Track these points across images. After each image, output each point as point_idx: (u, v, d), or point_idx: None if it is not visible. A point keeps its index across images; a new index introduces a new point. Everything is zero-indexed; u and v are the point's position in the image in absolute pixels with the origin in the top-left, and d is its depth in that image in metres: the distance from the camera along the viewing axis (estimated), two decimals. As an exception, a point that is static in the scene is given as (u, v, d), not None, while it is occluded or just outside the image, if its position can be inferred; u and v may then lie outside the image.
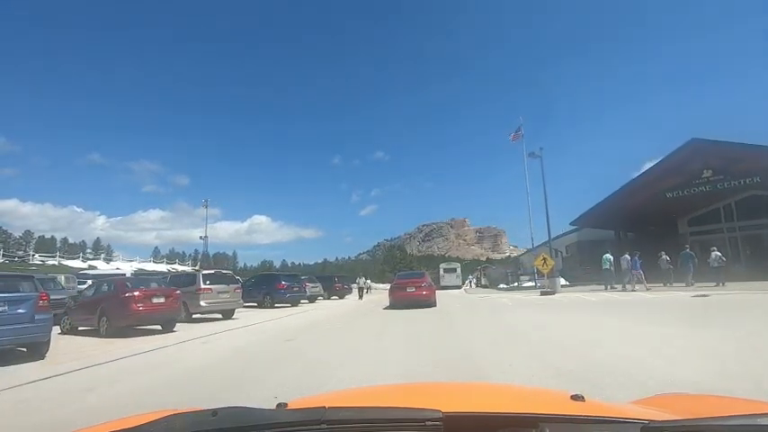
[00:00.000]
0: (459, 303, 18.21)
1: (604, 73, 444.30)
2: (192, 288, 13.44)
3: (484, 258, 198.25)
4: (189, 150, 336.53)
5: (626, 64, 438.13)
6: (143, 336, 9.68)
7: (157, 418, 0.96)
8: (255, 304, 20.80)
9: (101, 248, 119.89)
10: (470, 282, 52.64)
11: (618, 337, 7.09)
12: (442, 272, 47.40)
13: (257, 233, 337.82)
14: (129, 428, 0.92)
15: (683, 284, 17.44)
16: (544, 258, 19.95)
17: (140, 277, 11.16)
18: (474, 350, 6.37)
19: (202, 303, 13.14)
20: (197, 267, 68.72)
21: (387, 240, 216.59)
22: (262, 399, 3.84)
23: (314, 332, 9.84)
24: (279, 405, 1.14)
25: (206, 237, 77.03)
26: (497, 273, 46.85)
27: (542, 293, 19.39)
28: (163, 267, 56.45)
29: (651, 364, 4.82)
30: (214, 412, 0.92)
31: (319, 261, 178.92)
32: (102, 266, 47.82)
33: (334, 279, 30.59)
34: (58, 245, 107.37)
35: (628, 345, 6.22)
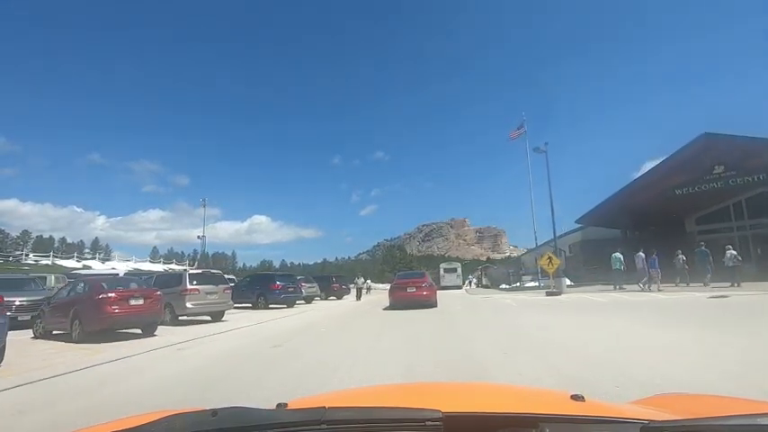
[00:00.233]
0: (461, 304, 17.42)
1: (604, 73, 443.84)
2: (177, 289, 12.65)
3: (484, 258, 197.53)
4: (189, 150, 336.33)
5: (626, 64, 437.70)
6: (119, 341, 8.87)
7: (157, 418, 0.96)
8: (250, 305, 20.07)
9: (99, 248, 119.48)
10: (471, 282, 51.93)
11: (642, 345, 6.30)
12: (442, 272, 46.61)
13: (257, 233, 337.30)
14: (128, 428, 0.92)
15: (699, 284, 16.67)
16: (549, 258, 19.15)
17: (119, 277, 10.40)
18: (480, 356, 5.60)
19: (188, 305, 12.35)
20: (194, 267, 68.08)
21: (387, 240, 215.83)
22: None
23: (305, 336, 9.06)
24: (279, 405, 1.13)
25: (204, 236, 76.28)
26: (499, 273, 46.04)
27: (548, 294, 18.61)
28: (159, 267, 55.54)
29: (687, 379, 4.05)
30: (214, 412, 0.92)
31: (319, 261, 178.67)
32: (96, 266, 47.02)
33: (332, 279, 29.75)
34: (56, 245, 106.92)
35: (660, 356, 5.43)
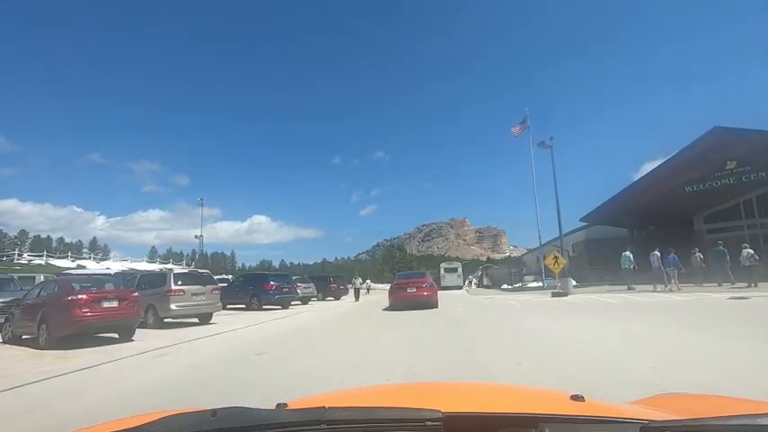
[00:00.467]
0: (463, 305, 16.62)
1: (604, 73, 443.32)
2: (161, 289, 11.84)
3: (484, 258, 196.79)
4: (189, 150, 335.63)
5: (626, 64, 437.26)
6: (92, 347, 8.06)
7: (157, 418, 0.95)
8: (244, 306, 19.28)
9: (97, 248, 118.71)
10: (471, 282, 51.13)
11: (674, 354, 5.50)
12: (442, 272, 45.72)
13: (257, 233, 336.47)
14: (128, 428, 0.92)
15: (713, 284, 15.89)
16: (555, 257, 18.34)
17: (93, 277, 9.60)
18: (491, 368, 4.81)
19: (172, 307, 11.53)
20: (191, 267, 67.23)
21: (386, 240, 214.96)
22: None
23: (295, 341, 8.25)
24: (279, 405, 1.12)
25: (201, 236, 75.48)
26: (500, 273, 45.18)
27: (553, 295, 17.79)
28: (156, 267, 54.70)
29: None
30: (213, 412, 0.92)
31: (319, 261, 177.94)
32: (91, 266, 46.15)
33: (329, 279, 28.88)
34: (54, 245, 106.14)
35: (719, 374, 4.62)
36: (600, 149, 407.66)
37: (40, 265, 42.85)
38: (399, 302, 15.14)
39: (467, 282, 48.72)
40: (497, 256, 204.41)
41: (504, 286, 33.99)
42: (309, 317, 14.45)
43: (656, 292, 15.86)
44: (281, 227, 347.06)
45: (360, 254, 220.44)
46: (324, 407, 0.92)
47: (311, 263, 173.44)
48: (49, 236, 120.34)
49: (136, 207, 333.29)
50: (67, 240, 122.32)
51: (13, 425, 3.86)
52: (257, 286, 19.32)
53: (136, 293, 9.28)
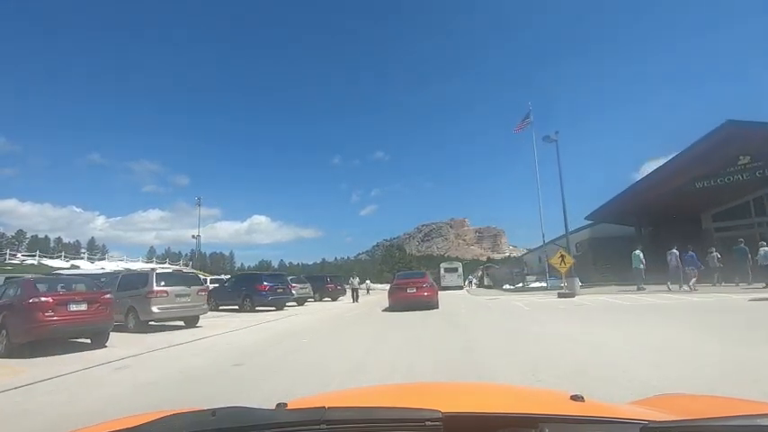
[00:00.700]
0: (465, 307, 15.81)
1: (604, 73, 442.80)
2: (142, 291, 11.02)
3: (483, 258, 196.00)
4: (189, 150, 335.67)
5: (626, 64, 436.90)
6: (59, 354, 7.23)
7: (156, 418, 0.94)
8: (237, 307, 18.46)
9: (95, 248, 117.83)
10: (471, 282, 50.36)
11: (738, 373, 4.70)
12: (442, 272, 44.86)
13: (257, 233, 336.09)
14: (128, 428, 0.91)
15: (731, 284, 15.12)
16: (562, 256, 17.52)
17: (62, 277, 8.78)
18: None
19: (154, 309, 10.70)
20: (188, 267, 66.20)
21: (386, 240, 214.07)
22: None
23: (281, 349, 7.43)
24: (278, 405, 1.11)
25: (198, 235, 74.67)
26: (501, 272, 44.37)
27: (560, 296, 16.99)
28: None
29: None
30: (213, 412, 0.91)
31: (318, 261, 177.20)
32: (85, 266, 45.28)
33: (326, 279, 27.97)
34: (52, 245, 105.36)
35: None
36: (600, 149, 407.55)
37: (32, 265, 41.95)
38: (399, 303, 14.83)
39: (467, 282, 47.94)
40: (497, 256, 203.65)
41: (506, 286, 33.15)
42: (302, 319, 13.64)
43: (674, 292, 15.00)
44: (281, 227, 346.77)
45: (359, 254, 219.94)
46: (324, 407, 0.92)
47: (311, 263, 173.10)
48: (46, 236, 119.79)
49: (136, 207, 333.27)
50: (65, 241, 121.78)
51: None
52: (250, 287, 18.49)
53: (108, 295, 8.45)
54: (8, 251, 47.43)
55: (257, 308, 18.13)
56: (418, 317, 11.96)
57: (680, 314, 9.83)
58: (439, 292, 17.24)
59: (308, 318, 14.27)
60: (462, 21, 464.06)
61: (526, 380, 4.40)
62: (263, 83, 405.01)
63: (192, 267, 65.93)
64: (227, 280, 22.06)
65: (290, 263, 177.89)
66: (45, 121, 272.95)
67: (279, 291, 18.43)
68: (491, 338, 7.46)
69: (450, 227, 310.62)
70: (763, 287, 14.08)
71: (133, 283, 11.59)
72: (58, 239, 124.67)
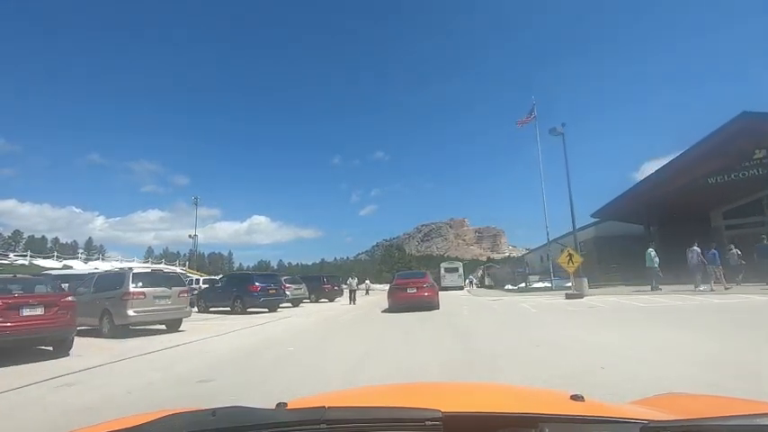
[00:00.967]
0: (468, 308, 14.90)
1: (604, 73, 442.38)
2: (117, 292, 10.10)
3: (483, 258, 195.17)
4: (189, 150, 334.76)
5: (626, 64, 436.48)
6: (15, 365, 6.33)
7: (157, 417, 0.94)
8: (229, 309, 17.52)
9: (93, 248, 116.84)
10: (471, 282, 49.51)
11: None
12: (443, 272, 43.90)
13: (257, 233, 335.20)
14: (128, 428, 0.90)
15: (748, 284, 14.19)
16: (570, 255, 16.60)
17: (20, 277, 7.86)
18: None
19: (130, 313, 9.78)
20: (186, 267, 65.15)
21: (385, 240, 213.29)
22: None
23: (261, 360, 6.52)
24: (278, 405, 1.11)
25: (195, 235, 73.83)
26: (503, 272, 43.45)
27: (567, 296, 16.08)
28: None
29: None
30: (213, 412, 0.90)
31: (318, 261, 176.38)
32: (78, 266, 44.32)
33: (323, 279, 27.01)
34: (49, 245, 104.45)
35: None
36: (600, 149, 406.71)
37: (23, 265, 41.03)
38: (399, 303, 14.47)
39: (467, 282, 47.06)
40: (497, 257, 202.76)
41: (508, 287, 32.23)
42: (294, 323, 12.72)
43: (694, 293, 14.04)
44: (281, 227, 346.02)
45: (359, 254, 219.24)
46: (324, 406, 0.91)
47: (310, 263, 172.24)
48: (43, 236, 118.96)
49: (135, 207, 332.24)
50: (62, 241, 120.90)
51: None
52: (241, 288, 17.56)
53: (70, 298, 7.53)
54: (1, 252, 46.40)
55: (249, 310, 17.24)
56: (418, 321, 11.06)
57: (709, 317, 8.93)
58: (439, 293, 16.70)
59: (300, 321, 13.35)
60: (462, 21, 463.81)
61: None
62: (263, 83, 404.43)
63: (189, 267, 65.01)
64: (218, 280, 21.15)
65: (289, 263, 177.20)
66: (45, 121, 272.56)
67: (271, 292, 17.49)
68: (503, 347, 6.54)
69: (450, 227, 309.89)
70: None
71: (108, 283, 10.66)
72: (56, 240, 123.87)
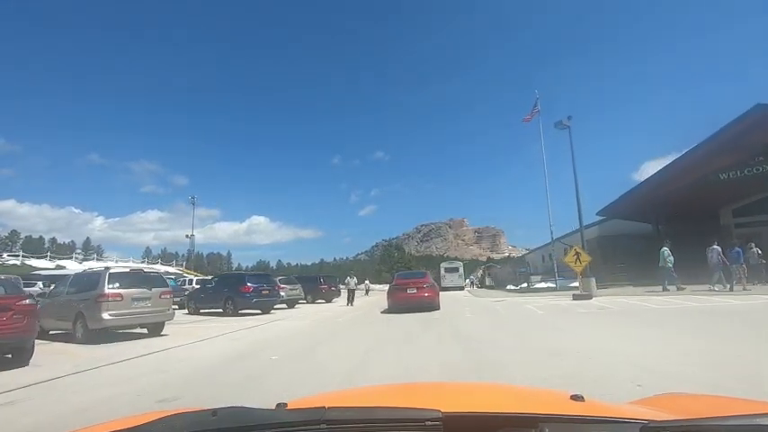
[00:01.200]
0: (471, 310, 14.12)
1: (604, 73, 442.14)
2: (91, 294, 9.32)
3: (483, 258, 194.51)
4: (188, 150, 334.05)
5: (626, 64, 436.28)
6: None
7: (157, 418, 0.94)
8: (221, 311, 16.73)
9: (90, 248, 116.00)
10: (472, 282, 48.78)
11: None
12: (443, 272, 43.08)
13: (256, 234, 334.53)
14: (128, 428, 0.90)
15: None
16: (577, 253, 15.83)
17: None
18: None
19: (105, 316, 8.99)
20: (183, 268, 64.31)
21: (385, 241, 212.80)
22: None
23: (241, 370, 5.74)
24: (278, 405, 1.10)
25: (192, 235, 72.98)
26: (504, 272, 42.68)
27: (575, 297, 15.32)
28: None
29: None
30: (214, 412, 0.90)
31: (317, 262, 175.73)
32: (72, 266, 43.50)
33: (319, 279, 26.20)
34: (47, 245, 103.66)
35: None
36: (600, 149, 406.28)
37: (15, 265, 40.22)
38: (399, 304, 14.21)
39: (468, 282, 46.29)
40: (496, 257, 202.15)
41: (509, 287, 31.47)
42: (286, 326, 11.94)
43: (712, 292, 13.26)
44: (281, 227, 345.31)
45: (359, 254, 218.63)
46: (324, 407, 0.91)
47: (310, 263, 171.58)
48: (41, 236, 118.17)
49: (134, 208, 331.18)
50: (60, 241, 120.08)
51: None
52: (232, 288, 16.77)
53: (27, 301, 6.73)
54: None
55: (241, 311, 16.46)
56: (419, 326, 10.28)
57: (739, 323, 8.17)
58: (440, 293, 16.15)
59: (291, 324, 12.57)
60: (462, 21, 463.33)
61: None
62: (263, 83, 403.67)
63: (186, 268, 64.17)
64: (210, 281, 20.36)
65: (288, 263, 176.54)
66: (44, 121, 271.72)
67: (264, 293, 16.70)
68: (516, 358, 5.77)
69: (449, 227, 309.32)
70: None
71: (83, 284, 9.88)
72: (53, 240, 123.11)
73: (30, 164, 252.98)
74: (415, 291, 14.27)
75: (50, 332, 10.46)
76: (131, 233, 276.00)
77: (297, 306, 21.39)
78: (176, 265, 67.45)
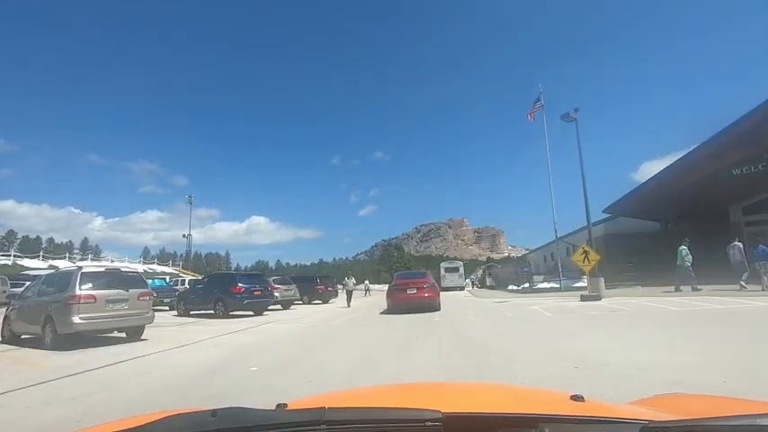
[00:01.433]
0: (475, 313, 13.32)
1: (604, 73, 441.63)
2: (61, 295, 8.52)
3: (482, 258, 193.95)
4: (188, 151, 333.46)
5: (626, 64, 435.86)
6: None
7: (157, 418, 0.94)
8: (212, 312, 15.94)
9: (88, 248, 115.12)
10: (472, 282, 48.05)
11: None
12: (443, 271, 42.31)
13: (256, 234, 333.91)
14: (128, 429, 0.91)
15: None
16: (585, 252, 15.05)
17: None
18: None
19: (75, 320, 8.18)
20: (179, 268, 63.48)
21: (384, 241, 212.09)
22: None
23: (213, 386, 4.96)
24: (278, 405, 1.10)
25: (189, 234, 72.15)
26: (505, 272, 41.87)
27: (583, 298, 14.55)
28: (139, 268, 51.05)
29: None
30: (213, 413, 0.90)
31: (316, 262, 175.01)
32: (65, 266, 42.60)
33: (316, 280, 25.39)
34: (44, 245, 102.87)
35: None
36: (600, 149, 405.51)
37: (6, 265, 39.35)
38: (398, 304, 13.92)
39: (468, 282, 45.53)
40: (496, 257, 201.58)
41: (511, 287, 30.69)
42: (276, 329, 11.16)
43: (740, 293, 12.44)
44: (280, 227, 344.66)
45: (358, 254, 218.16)
46: (324, 407, 0.91)
47: (309, 263, 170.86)
48: (38, 236, 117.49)
49: (134, 208, 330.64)
50: (58, 241, 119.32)
51: None
52: (223, 289, 15.98)
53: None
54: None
55: (232, 313, 15.68)
56: (421, 331, 9.50)
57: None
58: (440, 294, 15.63)
59: (283, 327, 11.78)
60: (462, 21, 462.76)
61: None
62: (263, 83, 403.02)
63: (183, 268, 63.31)
64: (200, 281, 19.57)
65: (287, 263, 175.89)
66: (43, 121, 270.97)
67: (256, 293, 15.91)
68: (533, 372, 4.99)
69: (449, 227, 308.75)
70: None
71: (54, 285, 9.09)
72: (50, 240, 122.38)
73: (29, 164, 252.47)
74: (415, 291, 13.94)
75: (21, 337, 9.72)
76: (131, 233, 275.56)
77: (292, 307, 20.62)
78: (173, 265, 66.64)
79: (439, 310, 13.87)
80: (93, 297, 8.51)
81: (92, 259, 53.31)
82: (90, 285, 8.61)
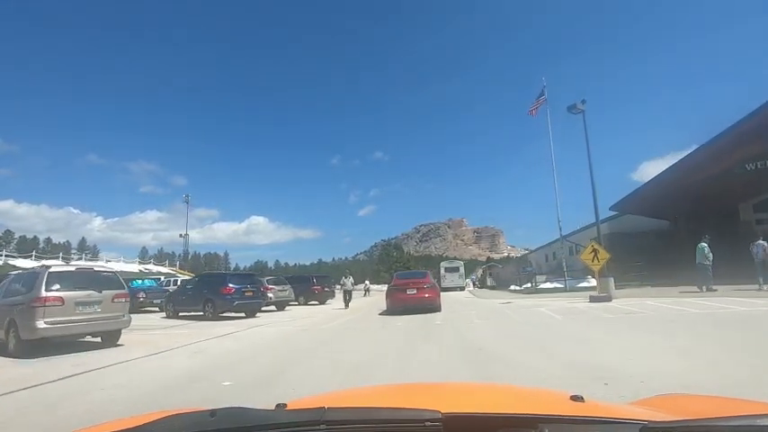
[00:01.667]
0: (478, 315, 12.54)
1: (604, 73, 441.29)
2: (26, 297, 7.74)
3: (482, 258, 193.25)
4: (187, 151, 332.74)
5: (626, 64, 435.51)
6: None
7: (157, 418, 0.94)
8: (202, 314, 15.18)
9: (86, 248, 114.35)
10: (473, 282, 47.33)
11: None
12: (443, 271, 41.56)
13: (255, 234, 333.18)
14: (128, 429, 0.90)
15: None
16: (595, 251, 14.29)
17: None
18: None
19: (40, 324, 7.40)
20: (176, 268, 62.67)
21: (384, 241, 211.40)
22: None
23: (180, 402, 4.22)
24: (278, 405, 1.09)
25: (186, 234, 71.47)
26: (507, 272, 41.12)
27: (592, 299, 13.81)
28: (134, 268, 50.25)
29: None
30: (213, 413, 0.90)
31: (316, 262, 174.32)
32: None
33: (312, 280, 24.61)
34: (41, 245, 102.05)
35: None
36: (600, 149, 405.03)
37: (-3, 265, 38.59)
38: (398, 305, 13.61)
39: (468, 282, 44.80)
40: (495, 256, 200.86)
41: (513, 287, 29.93)
42: (265, 333, 10.39)
43: (762, 292, 11.71)
44: (280, 227, 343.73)
45: (358, 254, 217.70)
46: (323, 407, 0.91)
47: (308, 263, 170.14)
48: (35, 236, 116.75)
49: (133, 208, 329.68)
50: (56, 241, 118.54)
51: None
52: (212, 290, 15.22)
53: None
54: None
55: (222, 314, 14.93)
56: (422, 336, 8.74)
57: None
58: (441, 294, 15.08)
59: (273, 331, 11.01)
60: (462, 21, 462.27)
61: None
62: (263, 83, 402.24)
63: (180, 268, 62.50)
64: (189, 281, 18.79)
65: (287, 263, 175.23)
66: (43, 122, 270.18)
67: (247, 294, 15.13)
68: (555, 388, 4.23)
69: (449, 227, 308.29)
70: None
71: (19, 286, 8.31)
72: (48, 240, 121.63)
73: (28, 164, 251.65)
74: (415, 291, 13.56)
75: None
76: (130, 233, 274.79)
77: (287, 308, 19.87)
78: (170, 265, 65.81)
79: (440, 311, 13.51)
80: (61, 299, 7.73)
81: (86, 260, 52.44)
82: (58, 286, 7.82)
